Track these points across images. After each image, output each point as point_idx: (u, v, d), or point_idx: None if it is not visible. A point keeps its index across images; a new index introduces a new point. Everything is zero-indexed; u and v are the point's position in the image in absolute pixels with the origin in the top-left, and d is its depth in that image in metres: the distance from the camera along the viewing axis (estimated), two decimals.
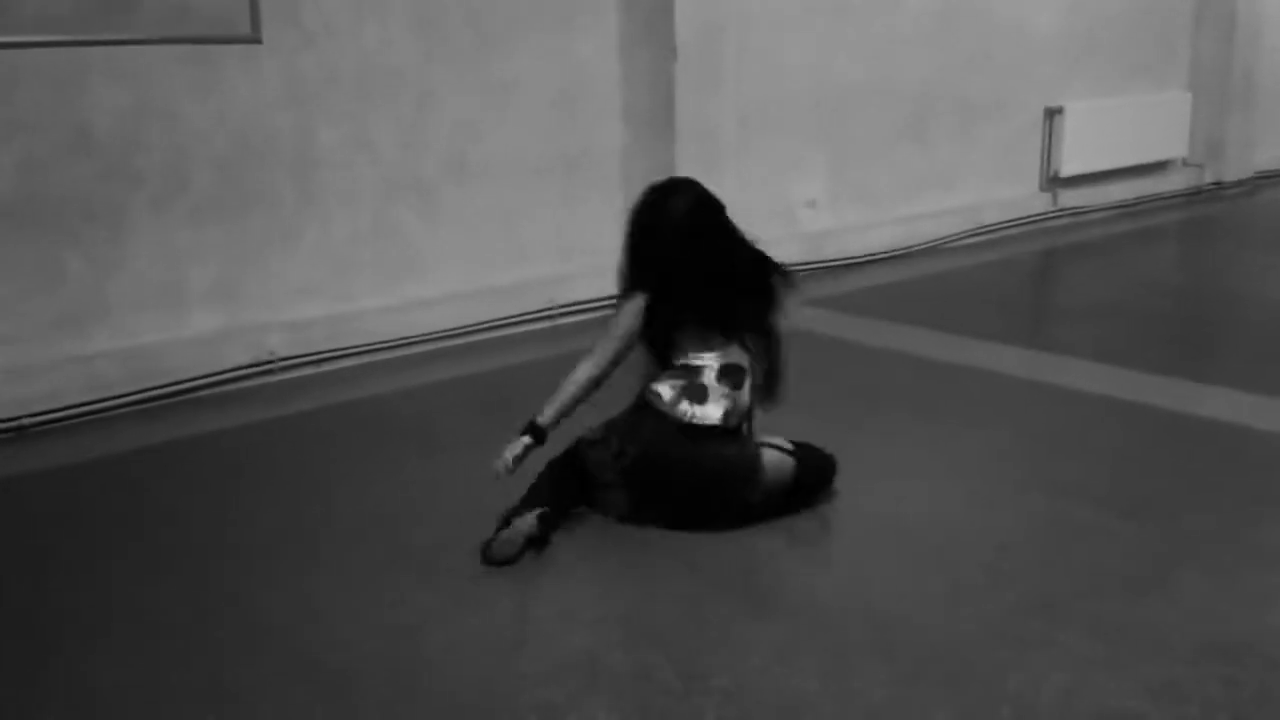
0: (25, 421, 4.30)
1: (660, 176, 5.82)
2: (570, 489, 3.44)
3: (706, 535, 3.33)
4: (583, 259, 5.68)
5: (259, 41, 4.71)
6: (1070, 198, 8.15)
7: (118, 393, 4.50)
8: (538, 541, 3.25)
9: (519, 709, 2.58)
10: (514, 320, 5.53)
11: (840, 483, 3.74)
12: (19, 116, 4.26)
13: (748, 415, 3.48)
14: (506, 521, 3.25)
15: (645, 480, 3.38)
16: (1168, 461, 3.95)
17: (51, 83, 4.31)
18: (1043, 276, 7.21)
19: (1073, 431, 4.21)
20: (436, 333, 5.32)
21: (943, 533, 3.41)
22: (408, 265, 5.30)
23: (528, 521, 3.23)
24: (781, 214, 6.62)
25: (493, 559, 3.19)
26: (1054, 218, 8.04)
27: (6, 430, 4.26)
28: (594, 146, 5.80)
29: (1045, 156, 8.02)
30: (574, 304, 5.64)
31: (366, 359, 5.11)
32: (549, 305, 5.65)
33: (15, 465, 4.04)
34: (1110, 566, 3.18)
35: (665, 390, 3.40)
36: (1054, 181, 8.05)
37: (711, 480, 3.36)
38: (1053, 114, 7.94)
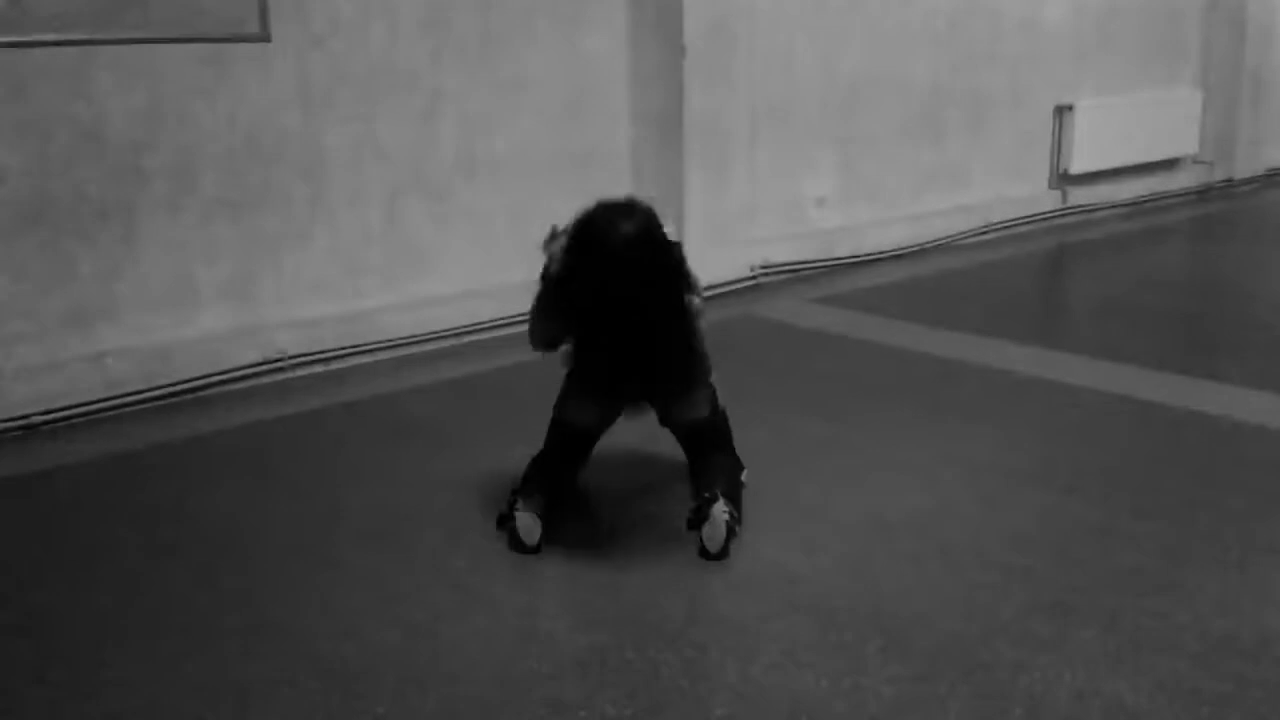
0: (35, 419, 4.31)
1: (669, 174, 5.96)
2: (562, 476, 3.48)
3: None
4: None
5: (268, 40, 4.72)
6: (1080, 195, 8.13)
7: (128, 391, 4.51)
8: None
9: (528, 706, 2.58)
10: (524, 318, 5.50)
11: (847, 480, 3.74)
12: (31, 115, 4.27)
13: None
14: (511, 506, 3.32)
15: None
16: (1179, 459, 3.94)
17: (63, 81, 4.31)
18: (1052, 274, 7.19)
19: (1084, 429, 4.20)
20: (446, 331, 5.32)
21: (953, 531, 3.40)
22: (417, 264, 5.30)
23: (532, 518, 3.29)
24: (792, 211, 6.62)
25: (524, 546, 3.27)
26: (1064, 215, 8.02)
27: (17, 428, 4.27)
28: (603, 145, 5.80)
29: (1055, 154, 8.00)
30: None
31: (377, 357, 5.11)
32: None
33: (25, 463, 4.05)
34: (1122, 565, 3.17)
35: None
36: (1064, 179, 8.02)
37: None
38: (1063, 111, 7.92)
